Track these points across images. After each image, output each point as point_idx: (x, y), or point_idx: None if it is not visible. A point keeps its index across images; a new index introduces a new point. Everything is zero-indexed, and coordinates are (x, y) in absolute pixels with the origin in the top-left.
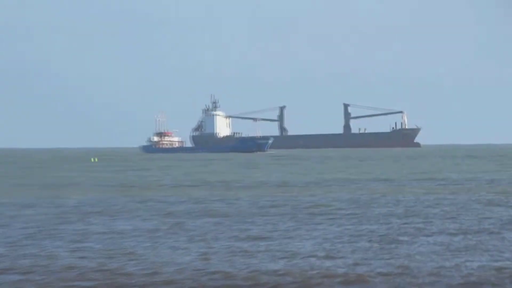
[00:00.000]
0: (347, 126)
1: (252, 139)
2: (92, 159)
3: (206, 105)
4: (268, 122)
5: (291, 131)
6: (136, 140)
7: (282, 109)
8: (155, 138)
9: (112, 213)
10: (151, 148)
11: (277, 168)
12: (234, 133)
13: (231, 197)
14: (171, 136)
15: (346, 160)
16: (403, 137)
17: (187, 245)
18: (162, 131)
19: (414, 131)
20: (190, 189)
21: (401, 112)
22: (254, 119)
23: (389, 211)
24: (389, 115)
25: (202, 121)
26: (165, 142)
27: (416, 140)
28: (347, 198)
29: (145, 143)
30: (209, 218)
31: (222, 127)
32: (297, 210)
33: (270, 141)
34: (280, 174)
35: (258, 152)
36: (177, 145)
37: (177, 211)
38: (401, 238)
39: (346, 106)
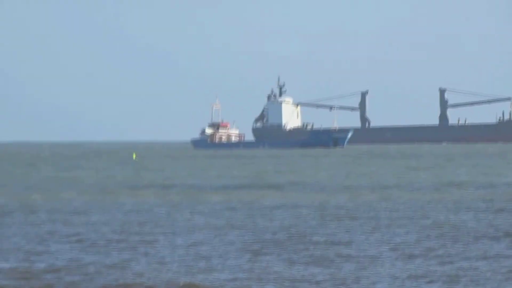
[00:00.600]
0: (443, 116)
1: (327, 132)
2: (134, 156)
3: (271, 90)
4: (347, 111)
5: (375, 122)
6: (187, 132)
7: (364, 94)
8: (209, 131)
9: None
10: (204, 143)
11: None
12: (304, 124)
13: None
14: (228, 128)
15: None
16: None
17: None
18: (217, 121)
19: None
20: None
21: (509, 99)
22: (330, 108)
23: None
24: (495, 103)
25: (265, 110)
26: (221, 135)
27: None
28: None
29: (197, 137)
30: None
31: (290, 117)
32: None
33: (349, 134)
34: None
35: (335, 148)
36: (235, 139)
37: None
38: None
39: (442, 91)
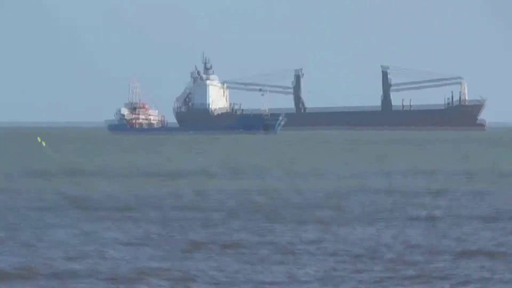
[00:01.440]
0: (386, 99)
1: (257, 116)
2: (39, 139)
3: (195, 68)
4: (280, 93)
5: (311, 105)
6: (100, 113)
7: (298, 74)
8: (126, 113)
9: None
10: (121, 126)
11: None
12: (233, 107)
13: None
14: (147, 110)
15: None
16: (462, 115)
17: None
18: (135, 102)
19: (477, 107)
20: None
21: (459, 79)
22: (261, 89)
23: None
24: (443, 85)
25: (190, 91)
26: (139, 118)
27: (480, 118)
28: None
29: (112, 119)
30: None
31: (217, 99)
32: None
33: (281, 120)
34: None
35: (266, 134)
36: (157, 124)
37: None
38: None
39: (384, 70)
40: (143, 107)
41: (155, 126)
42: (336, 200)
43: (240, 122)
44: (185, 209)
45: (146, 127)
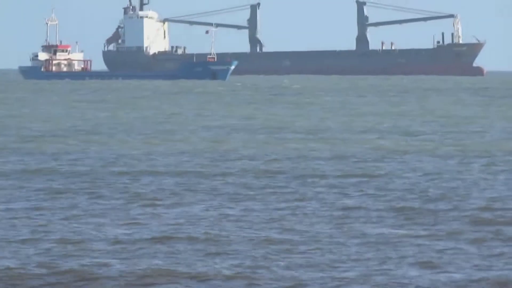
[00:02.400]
0: (362, 39)
1: (203, 63)
2: None
3: (129, 1)
4: (232, 29)
5: (270, 46)
6: (17, 58)
7: (254, 8)
8: (43, 56)
9: None
10: (36, 72)
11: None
12: (174, 48)
13: None
14: (68, 51)
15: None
16: (455, 58)
17: None
18: (54, 44)
19: (473, 48)
20: None
21: (451, 16)
22: (206, 31)
23: None
24: (431, 21)
25: (121, 28)
26: (60, 61)
27: (476, 62)
28: None
29: (29, 63)
30: None
31: (155, 38)
32: None
33: (232, 66)
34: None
35: (214, 81)
36: (78, 66)
37: None
38: None
39: (360, 5)
40: (64, 50)
41: (77, 69)
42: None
43: (182, 69)
44: None
45: (65, 71)
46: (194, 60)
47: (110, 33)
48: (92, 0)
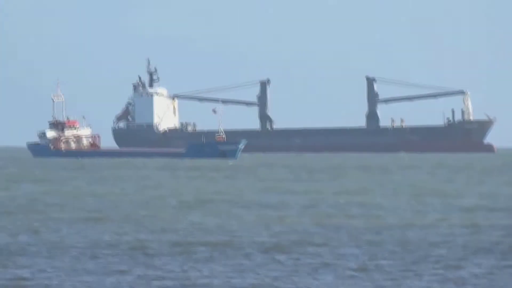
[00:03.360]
0: (372, 115)
1: (211, 144)
2: None
3: (139, 78)
4: (242, 106)
5: (280, 123)
6: (24, 134)
7: (264, 85)
8: (51, 133)
9: None
10: (45, 150)
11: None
12: (184, 124)
13: None
14: (76, 128)
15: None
16: (466, 135)
17: None
18: (61, 120)
19: (484, 125)
20: None
21: (461, 92)
22: (215, 104)
23: None
24: (441, 98)
25: (131, 104)
26: (68, 138)
27: (487, 140)
28: None
29: (35, 141)
30: None
31: (165, 115)
32: None
33: (241, 145)
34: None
35: (224, 159)
36: (87, 142)
37: None
38: None
39: (370, 81)
40: (72, 127)
41: (85, 147)
42: None
43: (190, 149)
44: None
45: (74, 149)
46: (203, 139)
47: (118, 108)
48: (99, 75)
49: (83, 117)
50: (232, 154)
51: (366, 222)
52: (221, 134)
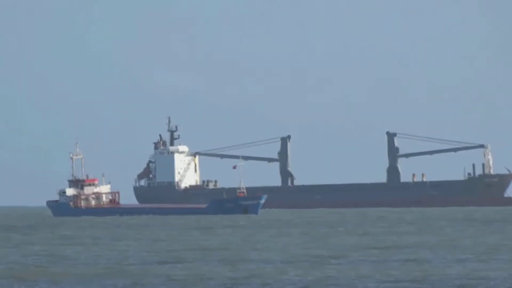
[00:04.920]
0: (393, 170)
1: (232, 199)
2: None
3: (159, 137)
4: (263, 162)
5: (301, 179)
6: (43, 194)
7: (285, 141)
8: (70, 191)
9: None
10: (65, 208)
11: None
12: (205, 181)
13: None
14: (95, 185)
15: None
16: (487, 189)
17: None
18: (80, 178)
19: (505, 179)
20: None
21: (481, 146)
22: (236, 160)
23: None
24: (461, 152)
25: (152, 163)
26: (88, 196)
27: (508, 193)
28: None
29: (55, 199)
30: None
31: (186, 172)
32: None
33: (262, 201)
34: None
35: (246, 214)
36: (106, 199)
37: None
38: None
39: (391, 136)
40: (92, 184)
41: (105, 203)
42: None
43: (212, 206)
44: None
45: (94, 207)
46: (224, 195)
47: (140, 167)
48: (117, 132)
49: (103, 174)
50: (254, 209)
51: None
52: (242, 189)
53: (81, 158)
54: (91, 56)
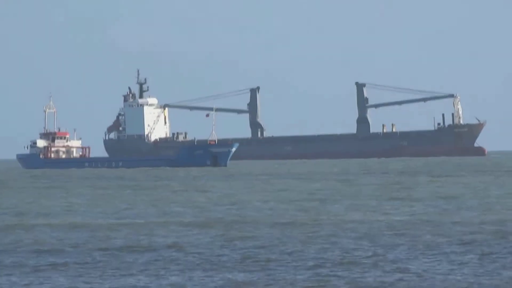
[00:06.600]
0: (362, 121)
1: (203, 146)
2: None
3: (129, 90)
4: (232, 113)
5: (271, 131)
6: (15, 147)
7: (254, 92)
8: (41, 143)
9: None
10: (35, 159)
11: None
12: (175, 134)
13: None
14: (67, 139)
15: None
16: (457, 139)
17: None
18: (52, 130)
19: (475, 128)
20: None
21: (451, 96)
22: (206, 114)
23: None
24: (431, 101)
25: (121, 115)
26: (58, 148)
27: (477, 143)
28: None
29: (25, 152)
30: None
31: (156, 125)
32: None
33: (233, 149)
34: None
35: (214, 167)
36: (77, 153)
37: None
38: None
39: (360, 87)
40: (63, 137)
41: (76, 156)
42: None
43: (182, 153)
44: None
45: (65, 158)
46: (195, 142)
47: (109, 120)
48: (90, 87)
49: (74, 129)
50: (223, 158)
51: None
52: (214, 139)
53: (54, 112)
54: (64, 13)
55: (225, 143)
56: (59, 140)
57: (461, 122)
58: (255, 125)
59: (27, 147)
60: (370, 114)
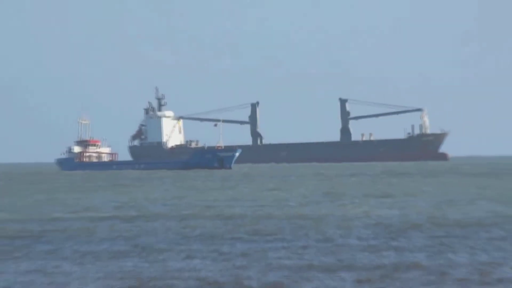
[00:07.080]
0: (345, 131)
1: (212, 151)
2: None
3: (149, 104)
4: (236, 124)
5: (268, 139)
6: (54, 152)
7: (254, 107)
8: (76, 149)
9: None
10: (71, 163)
11: None
12: (188, 141)
13: None
14: (98, 146)
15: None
16: (424, 146)
17: None
18: (86, 139)
19: (439, 137)
20: None
21: (419, 110)
22: (215, 123)
23: None
24: (403, 114)
25: (143, 126)
26: (90, 154)
27: (442, 149)
28: None
29: (62, 156)
30: None
31: (172, 134)
32: None
33: (237, 153)
34: None
35: (221, 169)
36: (106, 159)
37: None
38: None
39: (343, 102)
40: (95, 145)
41: (105, 160)
42: None
43: (194, 157)
44: None
45: (95, 162)
46: (205, 147)
47: (133, 130)
48: (117, 102)
49: (104, 139)
50: (228, 161)
51: None
52: (221, 145)
53: (88, 123)
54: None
55: (230, 148)
56: (91, 147)
57: (428, 131)
58: (255, 134)
59: (65, 153)
60: (352, 125)
